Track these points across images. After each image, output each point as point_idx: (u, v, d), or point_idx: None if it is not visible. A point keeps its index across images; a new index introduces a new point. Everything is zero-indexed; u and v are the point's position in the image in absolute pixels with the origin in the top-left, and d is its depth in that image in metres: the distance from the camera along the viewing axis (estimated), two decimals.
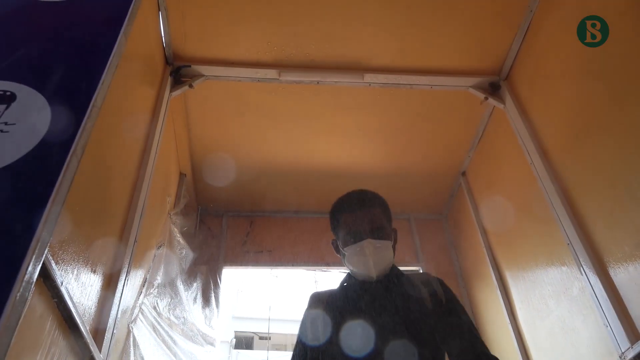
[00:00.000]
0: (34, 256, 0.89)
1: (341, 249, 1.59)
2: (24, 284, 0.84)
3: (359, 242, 1.52)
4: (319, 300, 1.65)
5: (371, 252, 1.50)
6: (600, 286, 2.08)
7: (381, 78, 2.94)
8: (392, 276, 1.58)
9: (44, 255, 0.99)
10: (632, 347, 1.88)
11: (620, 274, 2.01)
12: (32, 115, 1.11)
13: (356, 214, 1.57)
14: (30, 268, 0.87)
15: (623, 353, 1.92)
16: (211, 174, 3.70)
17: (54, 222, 0.99)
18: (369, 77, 2.92)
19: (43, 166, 1.02)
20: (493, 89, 3.00)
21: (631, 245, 1.93)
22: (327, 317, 1.57)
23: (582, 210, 2.29)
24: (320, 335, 1.55)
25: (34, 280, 0.92)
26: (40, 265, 0.94)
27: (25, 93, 1.15)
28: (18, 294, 0.82)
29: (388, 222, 1.61)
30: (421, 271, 3.84)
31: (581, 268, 2.20)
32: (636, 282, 1.92)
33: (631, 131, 1.96)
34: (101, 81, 1.21)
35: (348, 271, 1.64)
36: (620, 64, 2.02)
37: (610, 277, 2.07)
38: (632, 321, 1.94)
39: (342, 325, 1.51)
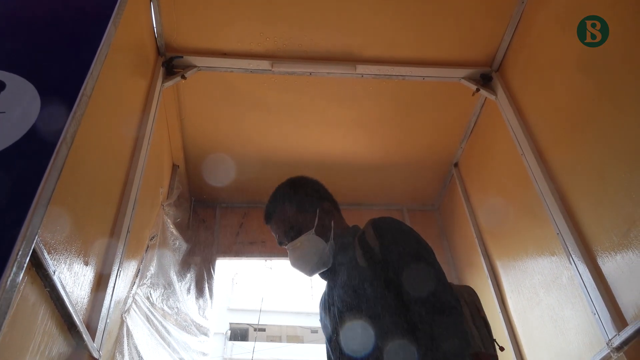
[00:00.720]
0: (24, 243, 0.89)
1: None
2: (14, 270, 0.85)
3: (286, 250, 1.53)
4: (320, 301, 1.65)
5: (290, 257, 1.51)
6: (589, 275, 2.11)
7: (373, 69, 2.94)
8: (337, 254, 1.48)
9: (35, 243, 1.00)
10: (619, 334, 1.91)
11: (609, 263, 2.04)
12: (22, 103, 1.11)
13: (269, 226, 1.61)
14: (20, 254, 0.88)
15: (610, 340, 1.95)
16: (204, 166, 3.70)
17: (44, 210, 1.00)
18: (361, 69, 2.92)
19: (32, 154, 1.02)
20: (485, 81, 3.01)
21: (619, 234, 1.96)
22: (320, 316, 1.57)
23: (572, 200, 2.31)
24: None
25: (24, 266, 0.92)
26: (30, 252, 0.94)
27: (14, 82, 1.15)
28: (8, 280, 0.83)
29: (302, 211, 1.54)
30: None
31: (570, 257, 2.23)
32: (623, 271, 1.95)
33: (620, 123, 1.98)
34: (90, 70, 1.21)
35: None
36: (612, 57, 2.03)
37: (599, 266, 2.10)
38: (619, 309, 1.97)
39: (323, 322, 1.51)
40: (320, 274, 1.52)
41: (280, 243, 1.57)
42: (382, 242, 1.33)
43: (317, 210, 1.54)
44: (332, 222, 1.56)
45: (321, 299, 1.58)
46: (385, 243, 1.33)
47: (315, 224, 1.49)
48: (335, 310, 1.36)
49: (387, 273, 1.27)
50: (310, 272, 1.49)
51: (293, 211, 1.54)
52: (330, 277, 1.48)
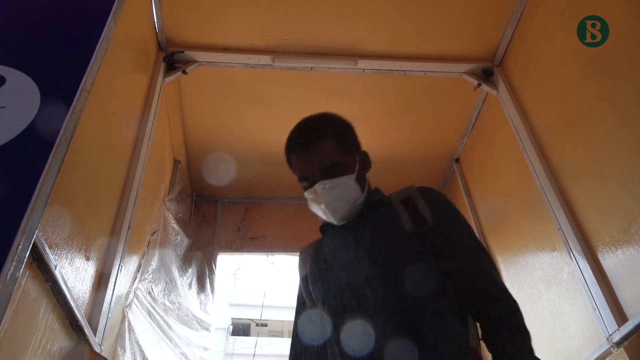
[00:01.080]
0: (24, 237, 0.90)
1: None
2: (14, 264, 0.85)
3: (311, 187, 1.30)
4: (304, 257, 1.48)
5: (324, 197, 1.28)
6: (590, 270, 2.11)
7: (375, 64, 2.93)
8: (367, 209, 1.35)
9: (35, 237, 1.00)
10: (619, 330, 1.91)
11: (609, 259, 2.04)
12: (21, 98, 1.11)
13: (302, 154, 1.33)
14: (20, 249, 0.88)
15: (610, 335, 1.95)
16: (205, 161, 3.71)
17: (43, 204, 1.00)
18: (362, 64, 2.91)
19: (32, 149, 1.03)
20: (486, 76, 3.00)
21: (620, 230, 1.96)
22: (312, 274, 1.38)
23: (573, 196, 2.31)
24: (315, 298, 1.35)
25: (24, 260, 0.93)
26: (30, 247, 0.95)
27: (14, 76, 1.15)
28: (8, 274, 0.84)
29: (347, 151, 1.36)
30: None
31: (571, 253, 2.23)
32: (624, 266, 1.95)
33: (621, 118, 1.98)
34: (90, 65, 1.21)
35: None
36: (613, 52, 2.02)
37: (599, 262, 2.10)
38: (619, 304, 1.97)
39: (321, 282, 1.32)
40: (339, 222, 1.34)
41: (305, 179, 1.33)
42: (437, 215, 1.27)
43: (357, 156, 1.39)
44: (367, 174, 1.42)
45: (311, 256, 1.43)
46: (442, 217, 1.28)
47: (357, 170, 1.34)
48: (356, 269, 1.23)
49: (438, 247, 1.23)
50: (339, 218, 1.31)
51: (339, 148, 1.34)
52: (349, 232, 1.32)
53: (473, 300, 1.18)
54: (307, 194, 1.33)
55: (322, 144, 1.32)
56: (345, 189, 1.30)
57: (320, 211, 1.32)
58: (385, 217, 1.31)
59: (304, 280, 1.42)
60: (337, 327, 1.21)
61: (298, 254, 1.53)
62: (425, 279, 1.18)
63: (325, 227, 1.45)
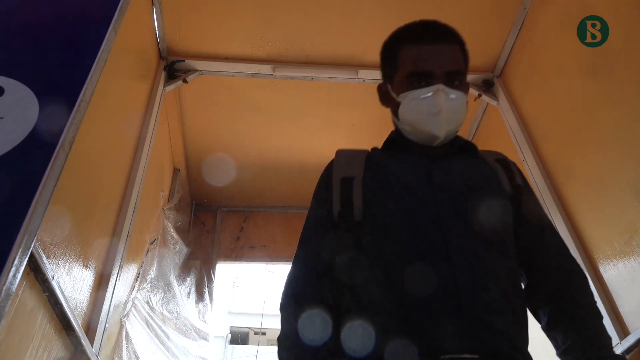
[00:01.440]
0: (20, 249, 0.89)
1: (394, 96, 1.15)
2: (9, 276, 0.84)
3: (429, 86, 1.08)
4: (349, 159, 1.19)
5: (443, 102, 1.06)
6: (590, 283, 2.09)
7: (375, 74, 2.93)
8: (459, 144, 1.18)
9: (32, 248, 1.00)
10: (620, 343, 1.89)
11: (610, 271, 2.02)
12: (20, 109, 1.11)
13: (429, 47, 1.12)
14: (16, 260, 0.87)
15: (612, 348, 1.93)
16: (205, 170, 3.70)
17: (41, 215, 1.00)
18: (363, 73, 2.91)
19: (30, 160, 1.02)
20: (487, 86, 3.01)
21: (621, 242, 1.95)
22: (368, 189, 1.07)
23: (574, 207, 2.30)
24: (357, 214, 1.05)
25: (21, 272, 0.92)
26: (27, 258, 0.94)
27: (13, 87, 1.15)
28: (4, 287, 0.83)
29: (465, 71, 1.17)
30: None
31: None
32: (625, 279, 1.93)
33: (622, 129, 1.97)
34: (89, 76, 1.21)
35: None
36: (614, 63, 2.02)
37: (600, 274, 2.08)
38: (621, 317, 1.96)
39: (391, 202, 1.04)
40: (436, 143, 1.12)
41: (424, 76, 1.09)
42: (525, 183, 1.16)
43: (468, 87, 1.21)
44: None
45: (364, 163, 1.15)
46: (529, 189, 1.16)
47: (468, 93, 1.17)
48: (441, 207, 1.01)
49: (528, 210, 1.12)
50: (445, 132, 1.09)
51: (463, 62, 1.17)
52: (437, 168, 1.09)
53: (554, 278, 1.06)
54: (411, 95, 1.10)
55: (454, 48, 1.14)
56: (462, 107, 1.11)
57: (427, 118, 1.08)
58: (481, 169, 1.12)
59: (346, 183, 1.10)
60: (400, 265, 0.96)
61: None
62: (515, 251, 1.05)
63: (395, 144, 1.21)
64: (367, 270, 1.00)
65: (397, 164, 1.13)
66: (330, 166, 1.20)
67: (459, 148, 1.18)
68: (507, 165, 1.16)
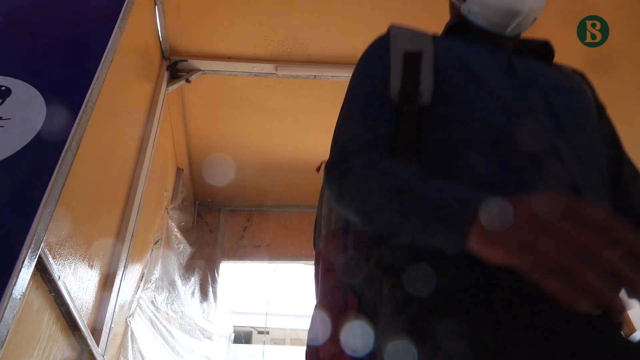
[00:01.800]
0: (29, 250, 0.89)
1: None
2: (19, 279, 0.85)
3: None
4: (414, 34, 1.00)
5: None
6: None
7: None
8: (530, 47, 0.99)
9: (40, 250, 1.00)
10: None
11: None
12: (28, 110, 1.11)
13: None
14: (26, 262, 0.88)
15: None
16: (208, 169, 3.70)
17: (49, 216, 1.00)
18: None
19: (38, 161, 1.02)
20: None
21: None
22: (442, 66, 0.88)
23: None
24: (426, 95, 0.85)
25: (30, 274, 0.92)
26: (36, 259, 0.94)
27: (20, 88, 1.15)
28: (14, 289, 0.83)
29: None
30: None
31: None
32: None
33: (626, 128, 1.96)
34: (96, 76, 1.21)
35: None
36: (616, 61, 2.02)
37: None
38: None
39: (470, 87, 0.85)
40: (511, 29, 0.94)
41: None
42: (604, 107, 1.02)
43: None
44: None
45: (434, 43, 0.95)
46: (607, 115, 1.02)
47: None
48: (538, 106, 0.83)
49: (611, 135, 1.04)
50: (529, 7, 0.89)
51: None
52: (520, 67, 0.90)
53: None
54: None
55: None
56: None
57: None
58: (568, 78, 0.96)
59: (412, 57, 0.92)
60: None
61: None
62: (604, 169, 0.88)
63: (461, 31, 1.03)
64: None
65: (470, 51, 0.92)
66: (384, 38, 1.00)
67: (532, 50, 0.98)
68: (589, 83, 1.02)
